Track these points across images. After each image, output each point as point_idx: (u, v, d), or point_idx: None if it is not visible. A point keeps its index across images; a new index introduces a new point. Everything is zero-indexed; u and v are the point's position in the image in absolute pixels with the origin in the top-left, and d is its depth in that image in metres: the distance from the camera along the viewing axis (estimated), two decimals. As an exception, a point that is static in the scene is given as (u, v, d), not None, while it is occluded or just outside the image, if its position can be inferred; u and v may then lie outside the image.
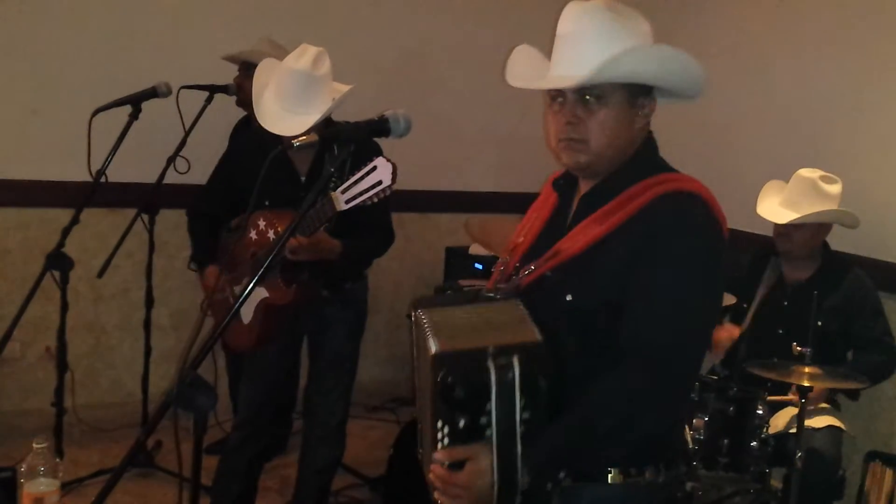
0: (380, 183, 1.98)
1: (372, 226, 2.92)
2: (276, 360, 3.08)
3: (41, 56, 3.92)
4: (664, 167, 1.71)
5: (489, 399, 1.51)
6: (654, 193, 1.60)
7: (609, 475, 1.63)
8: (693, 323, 1.59)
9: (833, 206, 3.14)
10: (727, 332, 3.18)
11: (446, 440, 1.55)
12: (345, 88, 2.84)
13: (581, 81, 1.59)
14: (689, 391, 1.65)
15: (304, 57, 2.74)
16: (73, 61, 3.96)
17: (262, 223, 2.83)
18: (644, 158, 1.70)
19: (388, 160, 1.96)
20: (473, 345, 1.52)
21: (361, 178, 2.02)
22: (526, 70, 1.75)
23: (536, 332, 1.56)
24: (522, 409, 1.52)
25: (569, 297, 1.62)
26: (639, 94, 1.66)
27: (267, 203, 2.83)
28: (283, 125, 2.69)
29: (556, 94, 1.67)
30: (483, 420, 1.53)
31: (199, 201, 3.18)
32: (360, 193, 2.03)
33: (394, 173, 1.95)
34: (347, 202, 2.08)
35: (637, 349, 1.55)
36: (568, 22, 1.67)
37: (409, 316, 1.75)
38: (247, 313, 2.92)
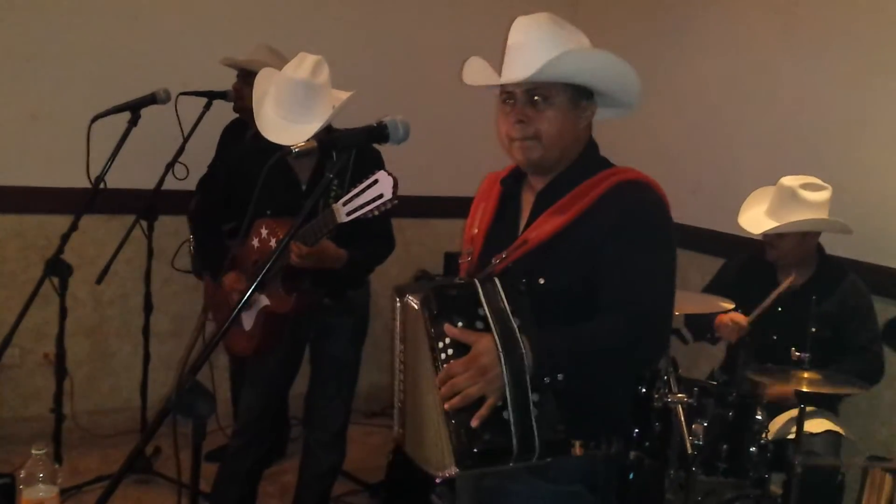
0: (381, 196, 2.00)
1: (373, 234, 2.92)
2: (277, 368, 3.08)
3: (40, 62, 3.92)
4: (610, 163, 1.91)
5: (480, 304, 1.67)
6: (610, 184, 1.80)
7: (573, 448, 1.77)
8: (667, 286, 1.79)
9: (816, 213, 3.12)
10: (729, 317, 3.13)
11: (449, 351, 1.65)
12: (344, 95, 2.84)
13: (529, 76, 1.75)
14: (666, 349, 2.01)
15: (302, 66, 2.73)
16: (72, 68, 3.97)
17: (264, 231, 2.83)
18: (591, 157, 1.90)
19: (390, 174, 1.99)
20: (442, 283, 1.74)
21: (362, 191, 2.03)
22: (479, 75, 1.91)
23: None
24: (511, 315, 1.67)
25: (542, 281, 1.77)
26: (581, 97, 1.83)
27: (268, 212, 2.83)
28: (284, 135, 2.69)
29: (506, 97, 1.84)
30: (479, 325, 1.67)
31: (200, 207, 3.18)
32: (361, 206, 2.05)
33: (395, 187, 1.98)
34: (348, 214, 2.09)
35: (624, 306, 1.72)
36: (516, 33, 1.85)
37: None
38: (248, 320, 2.92)
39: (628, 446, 1.98)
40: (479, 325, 1.67)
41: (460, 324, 1.66)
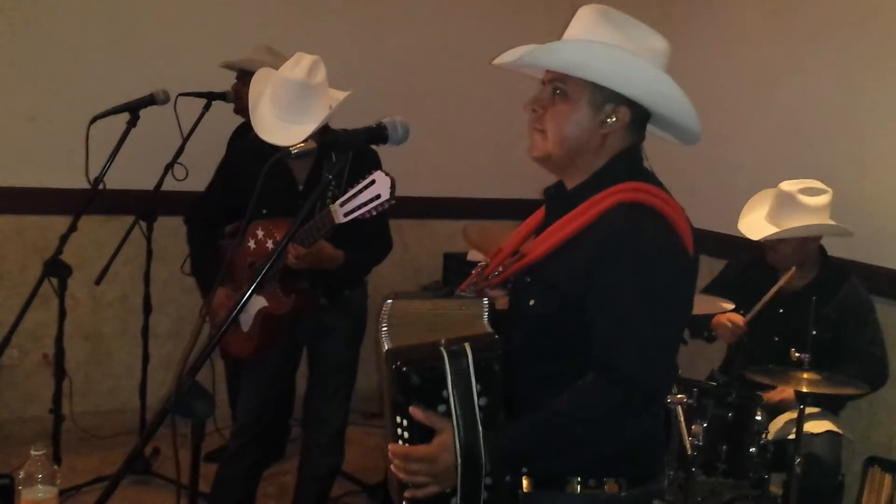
0: (378, 196, 1.99)
1: (370, 234, 2.92)
2: (275, 368, 3.08)
3: (39, 63, 3.92)
4: (637, 176, 1.67)
5: (445, 386, 1.53)
6: (612, 201, 1.60)
7: (567, 485, 1.64)
8: (652, 337, 1.55)
9: (816, 218, 3.11)
10: (727, 318, 3.11)
11: (406, 434, 1.58)
12: (341, 95, 2.84)
13: (522, 61, 1.67)
14: (661, 407, 1.71)
15: (299, 66, 2.73)
16: (70, 69, 3.97)
17: (260, 233, 2.83)
18: (622, 166, 1.69)
19: (387, 174, 1.97)
20: (426, 339, 1.58)
21: (360, 191, 2.03)
22: (508, 56, 1.77)
23: (488, 326, 1.63)
24: (479, 395, 1.54)
25: (531, 303, 1.66)
26: (607, 100, 1.65)
27: (265, 212, 2.83)
28: (279, 135, 2.69)
29: (542, 85, 1.72)
30: (441, 408, 1.55)
31: (197, 208, 3.18)
32: (359, 207, 2.04)
33: (392, 187, 1.97)
34: (346, 215, 2.09)
35: (606, 366, 1.54)
36: (574, 20, 1.71)
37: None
38: (246, 322, 2.92)
39: (648, 493, 1.72)
40: (442, 408, 1.55)
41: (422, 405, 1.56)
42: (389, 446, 1.61)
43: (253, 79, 2.87)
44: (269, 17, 4.30)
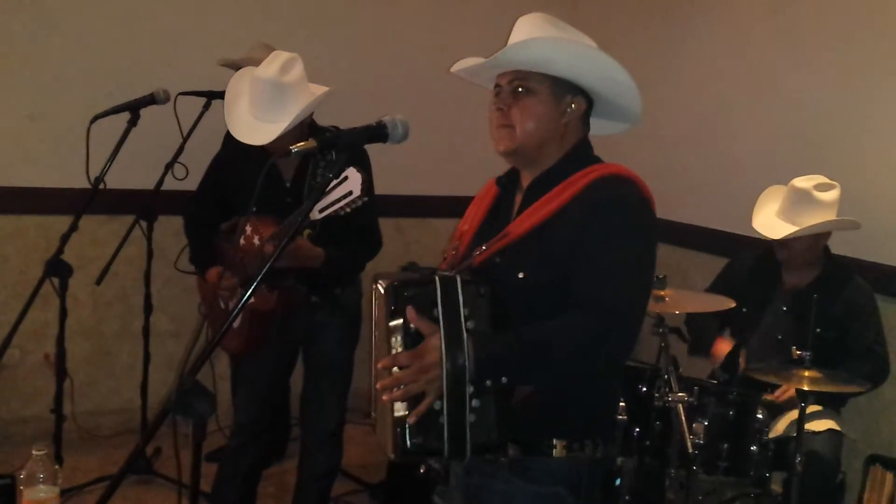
0: (350, 193, 2.01)
1: (360, 231, 2.91)
2: (270, 368, 3.07)
3: (39, 63, 3.92)
4: (600, 161, 1.88)
5: (435, 304, 1.65)
6: (588, 179, 1.78)
7: (554, 449, 1.76)
8: (636, 280, 1.74)
9: (829, 213, 3.12)
10: (726, 346, 3.18)
11: (400, 339, 1.66)
12: (321, 91, 2.82)
13: (490, 60, 1.81)
14: (634, 345, 1.80)
15: (272, 65, 2.71)
16: (71, 68, 3.97)
17: (248, 229, 2.84)
18: (580, 155, 1.87)
19: (359, 171, 1.99)
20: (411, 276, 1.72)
21: (333, 188, 2.04)
22: (464, 64, 1.95)
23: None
24: (466, 319, 1.66)
25: (521, 275, 1.75)
26: (566, 91, 1.82)
27: (254, 209, 2.84)
28: (253, 135, 2.70)
29: (497, 89, 1.86)
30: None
31: (193, 206, 3.18)
32: (332, 203, 2.06)
33: (363, 184, 1.99)
34: (321, 212, 2.10)
35: (589, 302, 1.68)
36: (513, 32, 1.88)
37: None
38: (237, 318, 2.92)
39: (614, 450, 1.96)
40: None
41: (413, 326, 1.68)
42: (378, 364, 1.69)
43: (232, 79, 2.87)
44: (268, 15, 4.30)
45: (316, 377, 3.10)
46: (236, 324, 2.91)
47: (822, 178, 3.17)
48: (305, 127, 2.85)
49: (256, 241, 2.78)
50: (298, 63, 2.76)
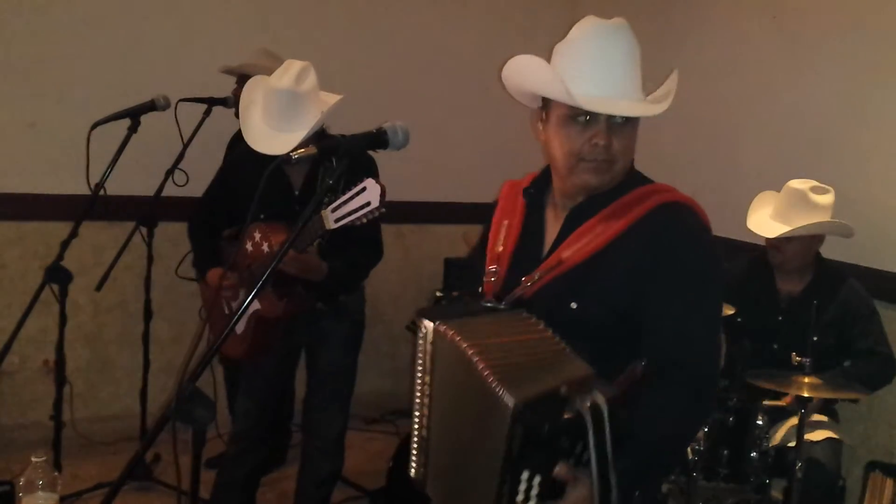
0: (368, 204, 1.99)
1: (362, 241, 2.90)
2: (272, 373, 3.08)
3: (40, 69, 3.92)
4: (645, 178, 1.78)
5: (581, 439, 1.49)
6: (653, 203, 1.67)
7: None
8: (713, 333, 1.68)
9: (824, 216, 3.12)
10: None
11: (532, 491, 1.49)
12: (333, 99, 2.84)
13: (650, 113, 1.67)
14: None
15: (287, 74, 2.73)
16: (71, 75, 3.97)
17: (257, 235, 2.84)
18: (634, 174, 1.78)
19: (378, 182, 1.98)
20: (545, 387, 1.47)
21: (351, 198, 2.03)
22: (548, 86, 1.70)
23: (586, 365, 1.55)
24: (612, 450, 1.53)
25: (573, 306, 1.65)
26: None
27: (262, 216, 2.84)
28: (269, 144, 2.71)
29: (582, 113, 1.66)
30: (570, 461, 1.52)
31: (199, 212, 3.19)
32: (349, 213, 2.05)
33: (382, 195, 1.97)
34: (336, 221, 2.09)
35: (672, 365, 1.61)
36: (596, 38, 1.68)
37: (411, 327, 1.73)
38: (240, 324, 2.92)
39: None
40: (571, 461, 1.52)
41: (556, 468, 1.50)
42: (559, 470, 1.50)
43: (244, 87, 2.89)
44: (269, 22, 4.30)
45: (320, 384, 3.10)
46: (240, 329, 2.91)
47: (816, 182, 3.17)
48: (315, 135, 2.87)
49: (266, 247, 2.78)
50: (312, 72, 2.78)
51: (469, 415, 1.53)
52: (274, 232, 2.78)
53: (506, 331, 1.59)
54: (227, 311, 3.02)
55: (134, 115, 3.26)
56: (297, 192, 2.91)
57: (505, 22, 4.81)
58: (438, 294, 1.78)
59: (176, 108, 3.46)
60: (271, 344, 2.94)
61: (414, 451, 1.67)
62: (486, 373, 1.45)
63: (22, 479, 1.77)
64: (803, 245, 3.15)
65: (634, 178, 1.75)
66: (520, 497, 1.48)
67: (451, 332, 1.53)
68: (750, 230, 3.27)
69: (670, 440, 1.65)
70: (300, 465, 3.22)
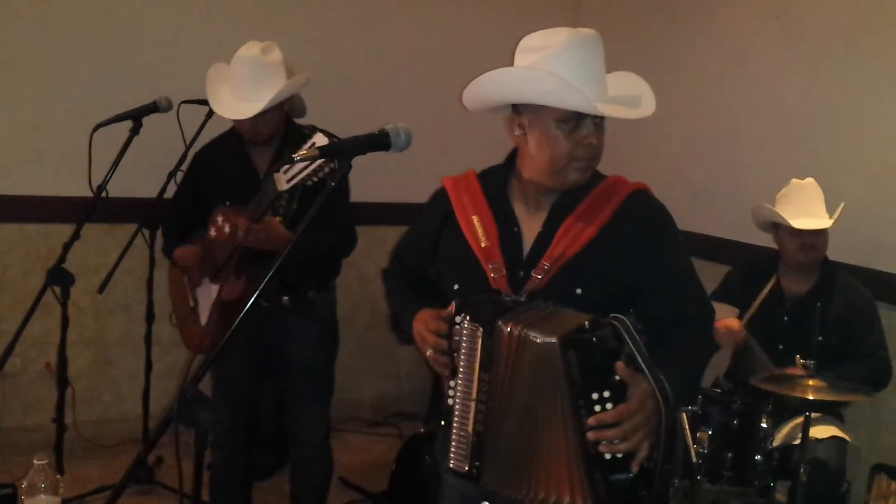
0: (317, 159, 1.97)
1: (332, 226, 2.82)
2: (241, 377, 3.03)
3: (42, 72, 3.93)
4: (599, 172, 1.95)
5: (622, 347, 1.64)
6: (625, 192, 1.88)
7: None
8: (701, 286, 1.96)
9: (827, 207, 3.15)
10: (722, 324, 3.08)
11: (608, 403, 1.61)
12: (301, 76, 2.88)
13: (646, 114, 1.84)
14: None
15: (253, 48, 2.81)
16: (73, 77, 3.97)
17: (219, 219, 2.84)
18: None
19: (326, 134, 1.96)
20: (573, 325, 1.64)
21: (301, 159, 2.01)
22: (549, 90, 1.77)
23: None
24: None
25: (578, 291, 1.79)
26: None
27: (227, 203, 2.84)
28: (235, 110, 2.77)
29: (572, 116, 1.77)
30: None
31: (168, 225, 3.21)
32: (300, 171, 2.03)
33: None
34: (288, 181, 2.08)
35: (681, 318, 1.84)
36: (585, 48, 1.79)
37: (453, 322, 1.76)
38: (204, 314, 2.90)
39: None
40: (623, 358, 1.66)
41: (617, 377, 1.63)
42: (590, 420, 1.60)
43: (210, 70, 2.95)
44: (272, 25, 4.30)
45: (295, 388, 3.06)
46: (204, 321, 2.90)
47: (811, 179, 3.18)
48: (283, 120, 2.91)
49: (227, 229, 2.77)
50: (277, 48, 2.85)
51: (525, 388, 1.66)
52: (237, 214, 2.76)
53: (531, 313, 1.73)
54: (191, 303, 3.00)
55: (136, 116, 3.26)
56: (261, 177, 2.89)
57: (507, 22, 4.81)
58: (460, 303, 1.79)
59: (178, 109, 3.46)
60: (238, 338, 2.87)
61: (461, 448, 1.73)
62: (532, 335, 1.63)
63: (24, 482, 1.76)
64: (827, 239, 3.16)
65: (595, 173, 1.92)
66: (587, 408, 1.60)
67: (518, 328, 1.65)
68: (756, 230, 3.26)
69: (697, 357, 1.87)
70: (291, 472, 3.20)
